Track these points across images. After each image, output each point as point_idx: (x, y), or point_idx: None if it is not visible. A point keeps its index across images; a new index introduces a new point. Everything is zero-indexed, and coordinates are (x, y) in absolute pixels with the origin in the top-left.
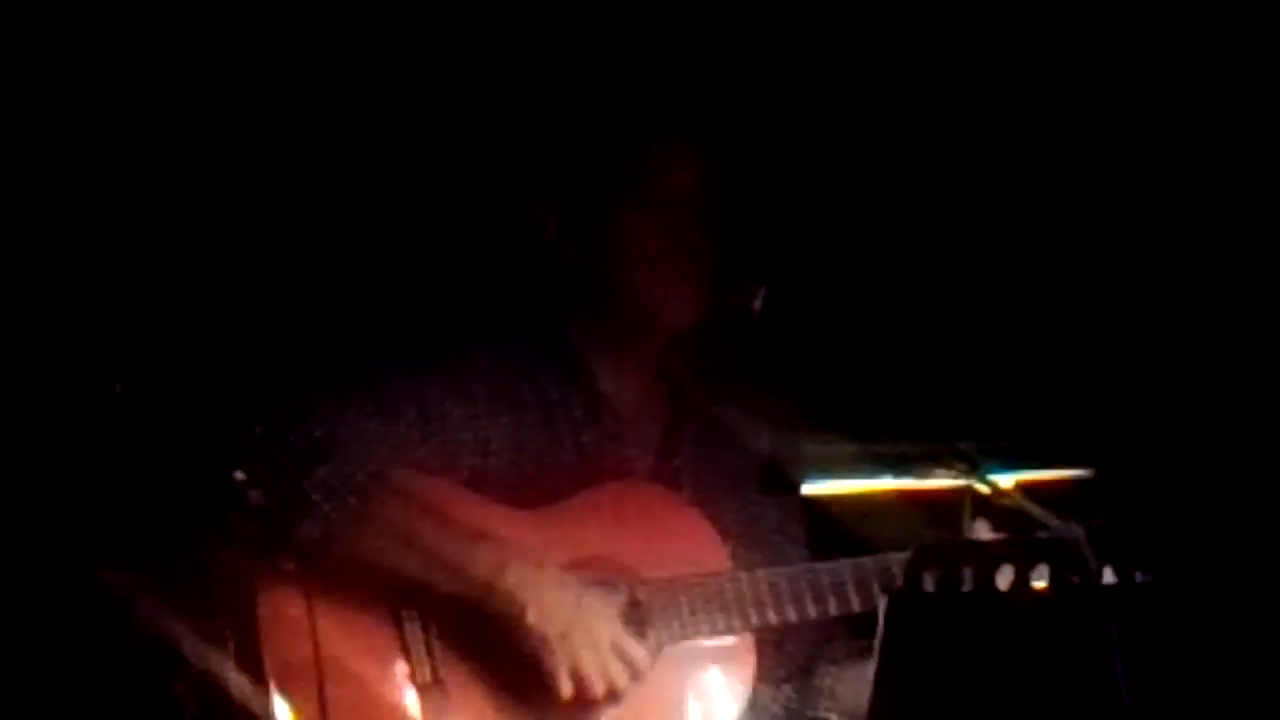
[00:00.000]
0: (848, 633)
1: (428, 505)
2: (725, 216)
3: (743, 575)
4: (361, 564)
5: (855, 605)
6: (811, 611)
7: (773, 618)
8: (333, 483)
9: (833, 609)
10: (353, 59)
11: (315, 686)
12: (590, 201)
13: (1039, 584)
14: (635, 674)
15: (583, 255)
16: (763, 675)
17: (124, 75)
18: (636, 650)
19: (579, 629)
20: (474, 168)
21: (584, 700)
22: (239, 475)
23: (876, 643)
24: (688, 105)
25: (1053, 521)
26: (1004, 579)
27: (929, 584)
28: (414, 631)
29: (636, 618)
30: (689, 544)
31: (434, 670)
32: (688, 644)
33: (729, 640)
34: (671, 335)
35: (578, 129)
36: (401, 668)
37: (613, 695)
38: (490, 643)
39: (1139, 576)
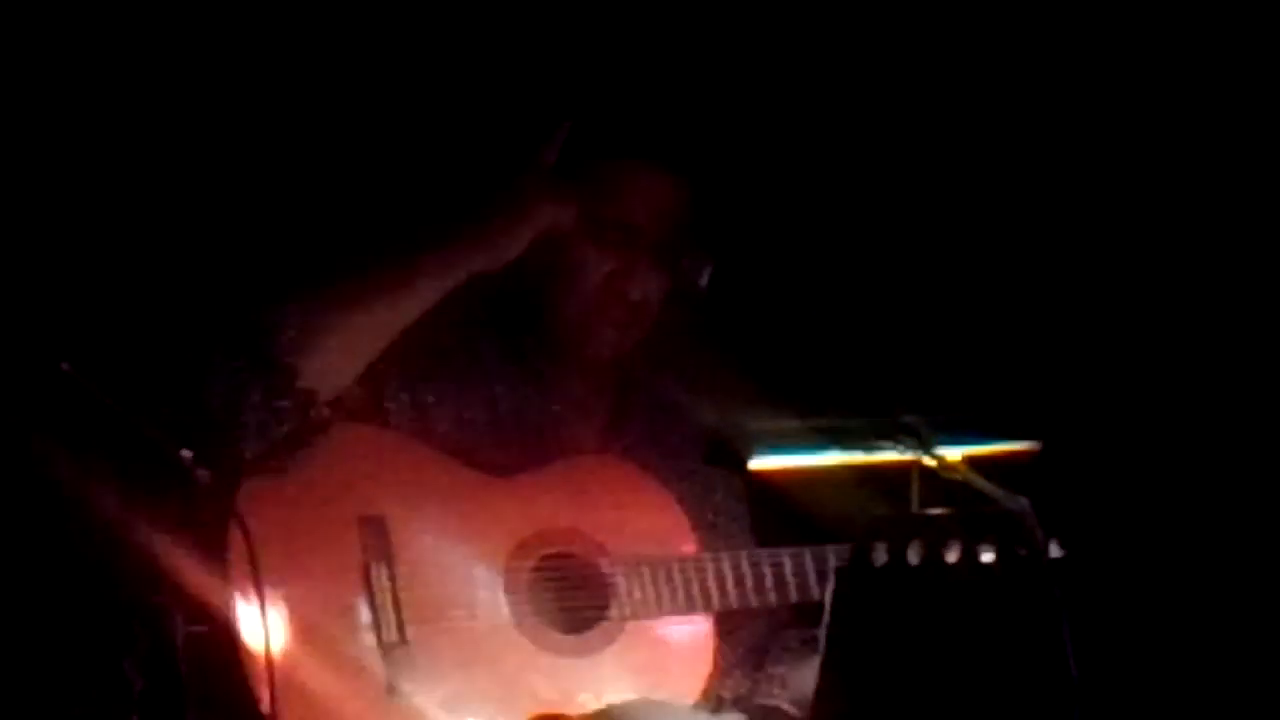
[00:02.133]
0: (800, 621)
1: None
2: (677, 249)
3: (708, 557)
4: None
5: (816, 593)
6: (772, 597)
7: (735, 600)
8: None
9: (794, 595)
10: (321, 64)
11: (267, 656)
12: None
13: (986, 557)
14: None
15: (533, 262)
16: (717, 660)
17: (65, 53)
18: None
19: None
20: (440, 175)
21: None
22: (185, 454)
23: (824, 616)
24: (664, 138)
25: (1000, 495)
26: (952, 552)
27: (877, 557)
28: (382, 588)
29: (600, 591)
30: (656, 520)
31: (399, 626)
32: (650, 623)
33: (690, 621)
34: (599, 360)
35: (549, 147)
36: (366, 624)
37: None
38: (463, 598)
39: (1085, 549)
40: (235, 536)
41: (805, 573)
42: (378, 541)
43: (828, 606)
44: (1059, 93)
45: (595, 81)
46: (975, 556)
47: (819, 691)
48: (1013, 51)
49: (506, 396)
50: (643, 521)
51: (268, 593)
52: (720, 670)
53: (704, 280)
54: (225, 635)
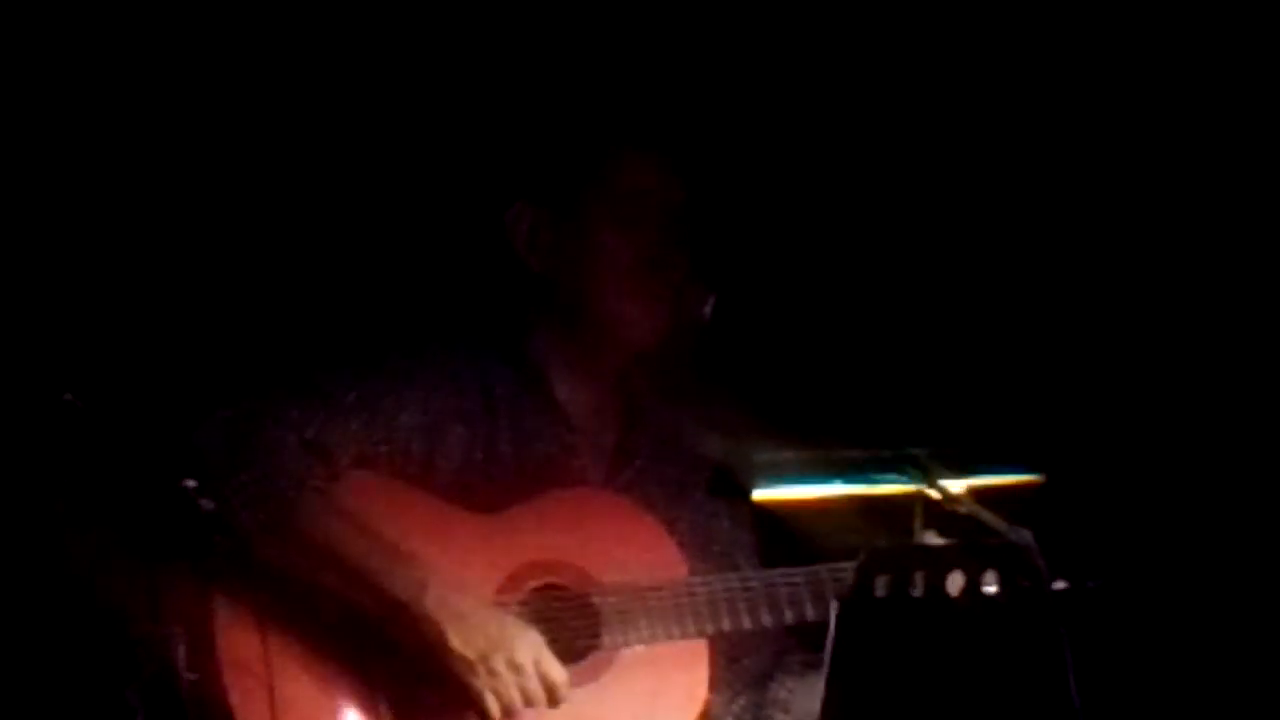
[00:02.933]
0: (804, 645)
1: (356, 523)
2: (696, 233)
3: (697, 582)
4: (280, 575)
5: (810, 614)
6: (766, 619)
7: (727, 624)
8: (253, 490)
9: (788, 617)
10: (324, 60)
11: (267, 686)
12: (564, 212)
13: (989, 589)
14: (555, 697)
15: (551, 266)
16: (719, 687)
17: (71, 75)
18: (558, 673)
19: (500, 652)
20: (446, 171)
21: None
22: (190, 483)
23: (827, 647)
24: (668, 119)
25: (1003, 527)
26: (955, 584)
27: (880, 589)
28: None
29: (590, 621)
30: (646, 551)
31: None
32: (643, 650)
33: (684, 646)
34: (634, 351)
35: (556, 136)
36: (356, 670)
37: (540, 709)
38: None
39: (1089, 583)
40: (220, 579)
41: (799, 594)
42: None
43: (830, 638)
44: (1060, 120)
45: (594, 81)
46: (978, 588)
47: None
48: (1024, 74)
49: (516, 429)
50: (633, 551)
51: (257, 641)
52: (723, 694)
53: (708, 311)
54: (214, 682)
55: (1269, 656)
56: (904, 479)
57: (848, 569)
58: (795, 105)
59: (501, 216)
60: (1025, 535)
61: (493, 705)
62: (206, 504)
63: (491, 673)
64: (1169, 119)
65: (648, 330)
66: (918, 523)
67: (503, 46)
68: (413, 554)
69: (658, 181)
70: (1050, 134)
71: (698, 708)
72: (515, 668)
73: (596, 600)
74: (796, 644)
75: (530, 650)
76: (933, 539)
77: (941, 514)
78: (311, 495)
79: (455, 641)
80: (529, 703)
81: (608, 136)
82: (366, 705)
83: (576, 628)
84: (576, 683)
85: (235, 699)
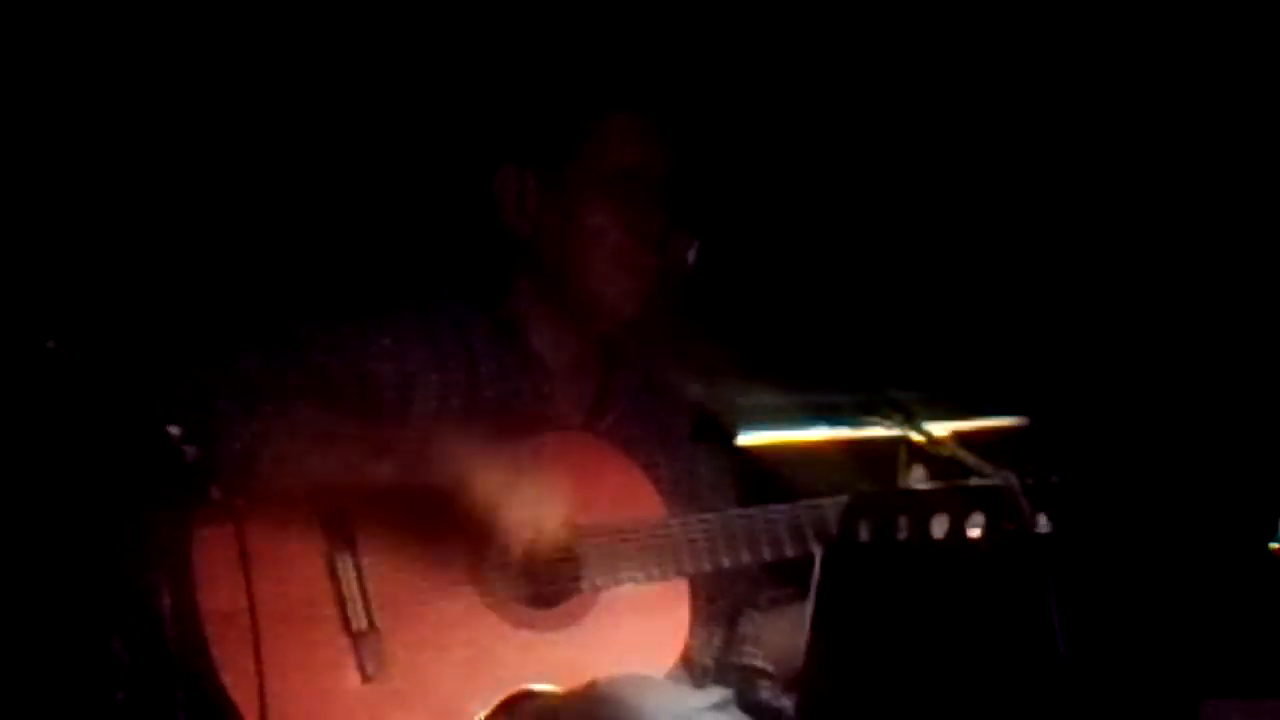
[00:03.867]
0: (773, 580)
1: (347, 406)
2: (686, 201)
3: (676, 522)
4: (289, 468)
5: (789, 550)
6: (745, 558)
7: (706, 564)
8: (245, 395)
9: (766, 555)
10: (312, 19)
11: (250, 637)
12: (552, 179)
13: (974, 532)
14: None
15: (536, 232)
16: (698, 628)
17: (48, 40)
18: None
19: (521, 486)
20: (433, 128)
21: (540, 550)
22: (173, 430)
23: (811, 592)
24: (657, 81)
25: (987, 470)
26: (939, 528)
27: (864, 533)
28: (347, 576)
29: (570, 564)
30: (625, 493)
31: (368, 615)
32: (623, 591)
33: (664, 588)
34: (619, 319)
35: (547, 99)
36: (336, 615)
37: (570, 556)
38: (430, 583)
39: (1073, 525)
40: (199, 529)
41: (777, 531)
42: (341, 532)
43: (815, 582)
44: (1036, 73)
45: (585, 44)
46: (963, 531)
47: (807, 666)
48: (990, 31)
49: (493, 377)
50: (610, 494)
51: (234, 590)
52: (701, 635)
53: (691, 258)
54: (197, 633)
55: (1254, 600)
56: (888, 423)
57: (826, 505)
58: (779, 55)
59: (489, 177)
60: (1009, 479)
61: (522, 534)
62: (190, 451)
63: (517, 500)
64: (1143, 87)
65: (631, 300)
66: (902, 464)
67: (495, 6)
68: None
69: (646, 152)
70: (1026, 87)
71: (679, 648)
72: (537, 497)
73: (577, 542)
74: (765, 579)
75: (539, 480)
76: (920, 477)
77: (925, 458)
78: (305, 395)
79: (472, 476)
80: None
81: (597, 100)
82: (349, 655)
83: (556, 570)
84: (558, 625)
85: (218, 649)
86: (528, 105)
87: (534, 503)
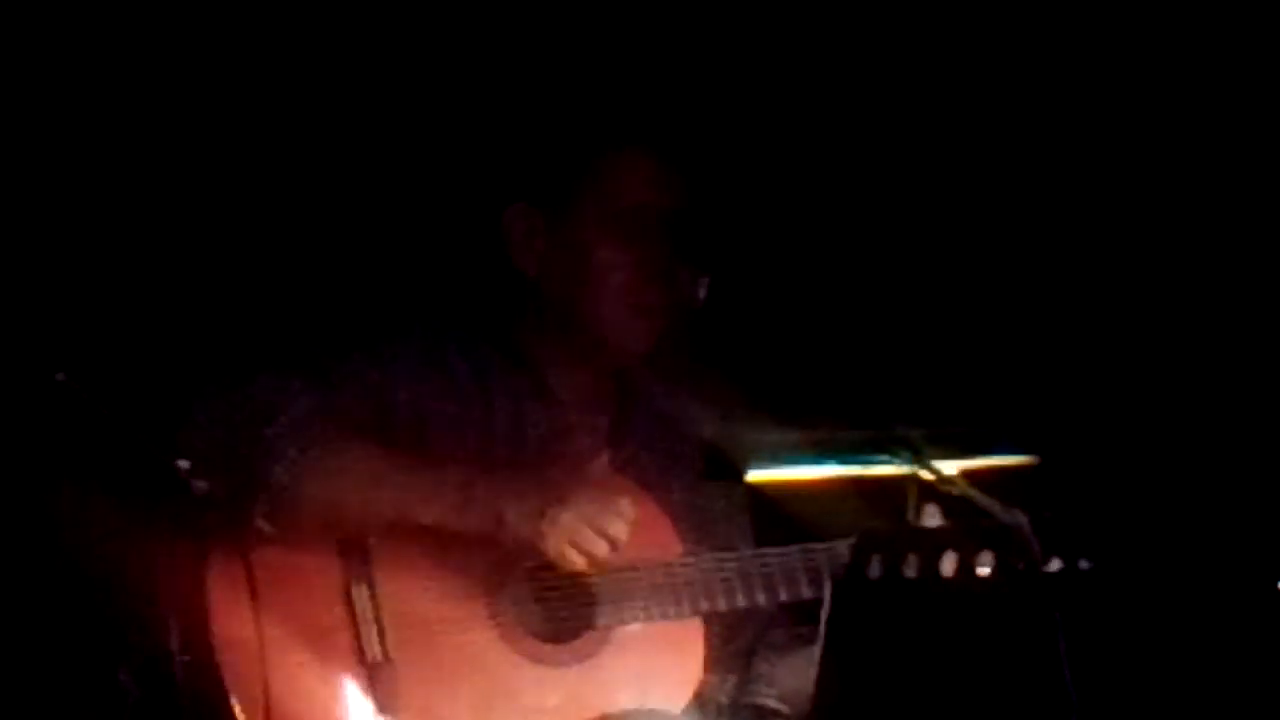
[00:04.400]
0: (788, 619)
1: (387, 452)
2: (695, 241)
3: (693, 561)
4: (331, 505)
5: (805, 592)
6: (761, 598)
7: (722, 604)
8: (296, 429)
9: (783, 595)
10: (328, 53)
11: (260, 667)
12: (560, 219)
13: (984, 571)
14: (626, 521)
15: (544, 271)
16: (713, 667)
17: (53, 60)
18: (618, 503)
19: (555, 506)
20: (446, 167)
21: (594, 565)
22: (182, 464)
23: (821, 628)
24: (667, 125)
25: (997, 509)
26: (949, 566)
27: (874, 570)
28: (363, 607)
29: (585, 600)
30: (641, 530)
31: (383, 646)
32: (638, 629)
33: (678, 626)
34: (631, 359)
35: (557, 138)
36: (350, 645)
37: (616, 547)
38: (446, 615)
39: (1083, 564)
40: (215, 559)
41: (794, 573)
42: (358, 562)
43: (825, 618)
44: (1056, 106)
45: (595, 83)
46: (972, 570)
47: (817, 703)
48: (1016, 72)
49: (508, 410)
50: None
51: (248, 619)
52: (716, 674)
53: (702, 294)
54: (208, 661)
55: (1264, 641)
56: (897, 460)
57: (842, 547)
58: (787, 87)
59: (498, 216)
60: (1019, 517)
61: (570, 553)
62: (199, 485)
63: (554, 524)
64: (1150, 100)
65: (641, 337)
66: (912, 502)
67: (506, 45)
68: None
69: (655, 189)
70: (1038, 113)
71: (692, 687)
72: (577, 512)
73: (591, 579)
74: (780, 618)
75: (585, 497)
76: (934, 515)
77: (935, 496)
78: (337, 433)
79: (512, 516)
80: (604, 534)
81: (605, 138)
82: (359, 687)
83: (571, 607)
84: (571, 660)
85: (230, 679)
86: (535, 144)
87: (578, 521)
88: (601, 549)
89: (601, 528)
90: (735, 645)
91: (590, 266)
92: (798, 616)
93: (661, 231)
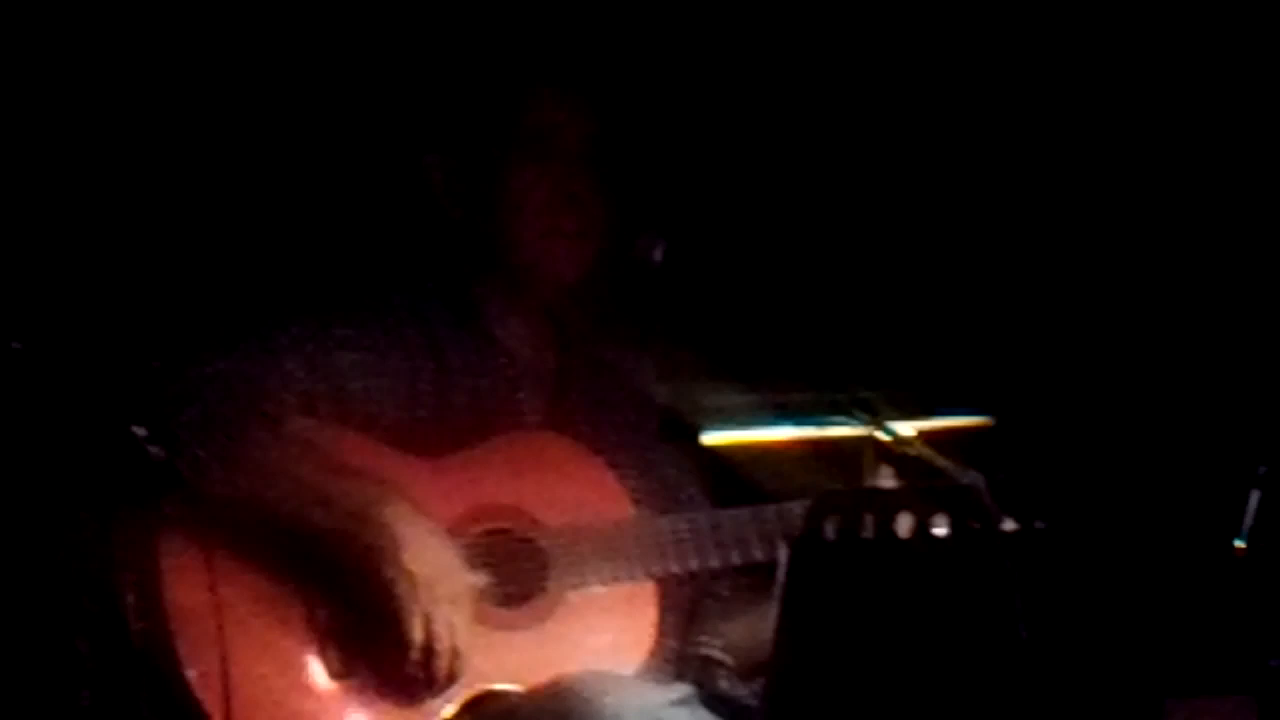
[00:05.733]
0: (730, 571)
1: (312, 446)
2: (614, 169)
3: (644, 523)
4: (237, 502)
5: (758, 554)
6: (714, 560)
7: (675, 566)
8: (201, 422)
9: (735, 558)
10: (246, 12)
11: (216, 633)
12: (476, 156)
13: (939, 531)
14: (458, 664)
15: (471, 211)
16: (665, 629)
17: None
18: (473, 639)
19: (447, 582)
20: (366, 123)
21: (425, 654)
22: (139, 430)
23: (777, 590)
24: (570, 54)
25: (953, 469)
26: (904, 526)
27: (830, 531)
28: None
29: (536, 564)
30: (591, 493)
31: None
32: (590, 593)
33: (632, 590)
34: (559, 288)
35: (462, 81)
36: (303, 610)
37: (449, 669)
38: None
39: (1038, 524)
40: (169, 526)
41: (746, 535)
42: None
43: (781, 580)
44: (1011, 74)
45: (501, 24)
46: (928, 530)
47: (773, 664)
48: (957, 21)
49: (459, 365)
50: (578, 493)
51: (200, 586)
52: (666, 632)
53: (658, 256)
54: (162, 630)
55: (1219, 596)
56: (853, 421)
57: (795, 509)
58: (735, 39)
59: (418, 164)
60: (975, 478)
61: (418, 631)
62: (155, 451)
63: (432, 600)
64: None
65: (566, 264)
66: (868, 463)
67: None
68: (370, 471)
69: (566, 117)
70: (988, 80)
71: (646, 648)
72: (454, 604)
73: (543, 543)
74: (725, 571)
75: (471, 598)
76: (888, 477)
77: (891, 457)
78: (262, 423)
79: (406, 556)
80: (453, 644)
81: (514, 78)
82: (314, 652)
83: (523, 571)
84: (524, 624)
85: (183, 647)
86: (448, 91)
87: (437, 611)
88: (442, 665)
89: (449, 649)
90: (680, 596)
91: (506, 194)
92: (740, 568)
93: (573, 157)
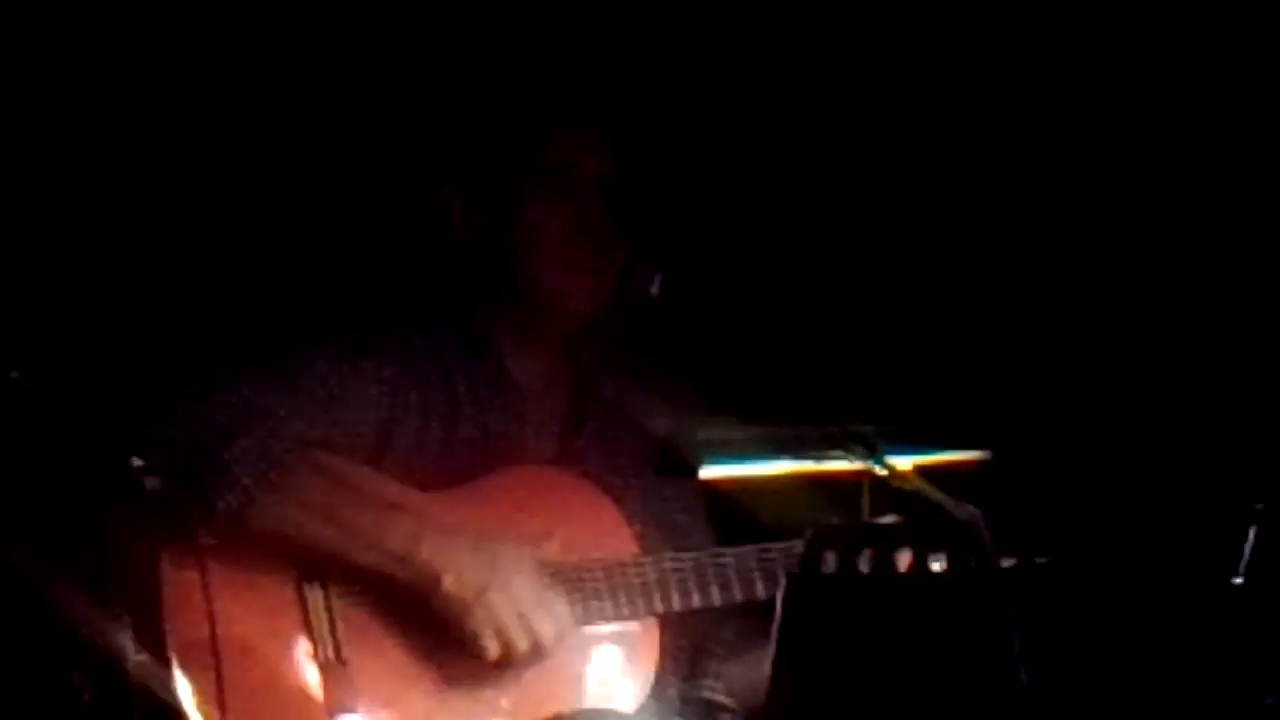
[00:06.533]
0: (737, 614)
1: (345, 480)
2: (629, 204)
3: (648, 561)
4: (278, 536)
5: (761, 593)
6: (716, 597)
7: (678, 604)
8: (253, 455)
9: (738, 596)
10: (262, 40)
11: (215, 668)
12: (494, 188)
13: (937, 566)
14: (558, 628)
15: (487, 242)
16: (666, 665)
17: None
18: (556, 603)
19: (495, 588)
20: (383, 154)
21: (510, 658)
22: (135, 462)
23: (774, 625)
24: (590, 91)
25: (951, 504)
26: (902, 561)
27: (827, 566)
28: (316, 609)
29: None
30: (598, 529)
31: (336, 647)
32: (593, 629)
33: (632, 625)
34: (574, 323)
35: (481, 115)
36: (303, 646)
37: (537, 650)
38: (399, 616)
39: (1038, 559)
40: (168, 559)
41: (750, 573)
42: (311, 563)
43: (778, 615)
44: (1008, 98)
45: (520, 59)
46: (926, 565)
47: (769, 700)
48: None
49: (469, 397)
50: (584, 530)
51: (201, 619)
52: (666, 669)
53: (655, 289)
54: (162, 662)
55: (1217, 635)
56: (851, 456)
57: (798, 547)
58: (737, 79)
59: (436, 197)
60: (972, 512)
61: (491, 643)
62: (152, 482)
63: (487, 607)
64: (1112, 101)
65: (582, 299)
66: (866, 498)
67: (433, 29)
68: (403, 503)
69: (584, 153)
70: (990, 102)
71: (646, 686)
72: (513, 600)
73: (547, 580)
74: (728, 613)
75: (527, 582)
76: (884, 511)
77: (888, 491)
78: (300, 458)
79: (450, 584)
80: (530, 634)
81: (535, 113)
82: (313, 686)
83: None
84: (526, 662)
85: (182, 681)
86: (468, 122)
87: (508, 607)
88: (523, 645)
89: (531, 625)
90: (686, 641)
91: (526, 229)
92: (746, 611)
93: (591, 192)
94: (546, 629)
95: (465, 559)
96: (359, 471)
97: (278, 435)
